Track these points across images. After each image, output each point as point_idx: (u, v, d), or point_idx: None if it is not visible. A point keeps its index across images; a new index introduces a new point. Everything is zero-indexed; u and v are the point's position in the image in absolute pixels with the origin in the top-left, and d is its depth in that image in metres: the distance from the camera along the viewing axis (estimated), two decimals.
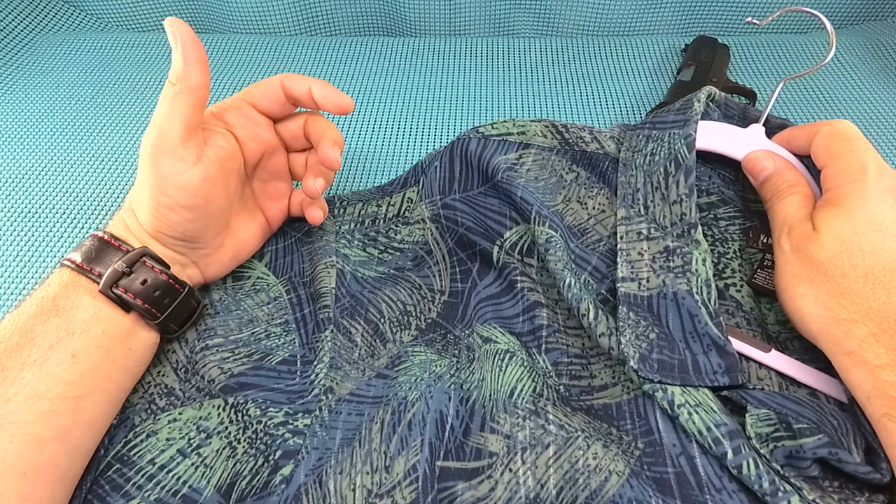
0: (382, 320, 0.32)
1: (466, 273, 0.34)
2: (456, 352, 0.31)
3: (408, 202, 0.36)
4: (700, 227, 0.29)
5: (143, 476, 0.26)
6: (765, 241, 0.32)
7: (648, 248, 0.30)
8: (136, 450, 0.27)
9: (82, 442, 0.25)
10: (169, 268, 0.29)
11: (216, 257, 0.32)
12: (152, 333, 0.29)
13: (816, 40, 0.55)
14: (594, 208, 0.33)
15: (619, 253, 0.30)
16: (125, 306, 0.27)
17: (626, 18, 0.58)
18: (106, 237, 0.28)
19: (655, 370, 0.26)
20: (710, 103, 0.35)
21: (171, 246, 0.30)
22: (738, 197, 0.34)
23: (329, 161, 0.31)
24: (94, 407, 0.25)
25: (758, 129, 0.32)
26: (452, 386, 0.28)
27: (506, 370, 0.28)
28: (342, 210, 0.36)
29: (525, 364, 0.29)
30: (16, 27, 0.57)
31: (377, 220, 0.36)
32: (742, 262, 0.32)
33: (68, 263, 0.27)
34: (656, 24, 0.59)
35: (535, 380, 0.28)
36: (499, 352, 0.29)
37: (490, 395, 0.28)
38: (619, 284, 0.29)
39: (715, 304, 0.28)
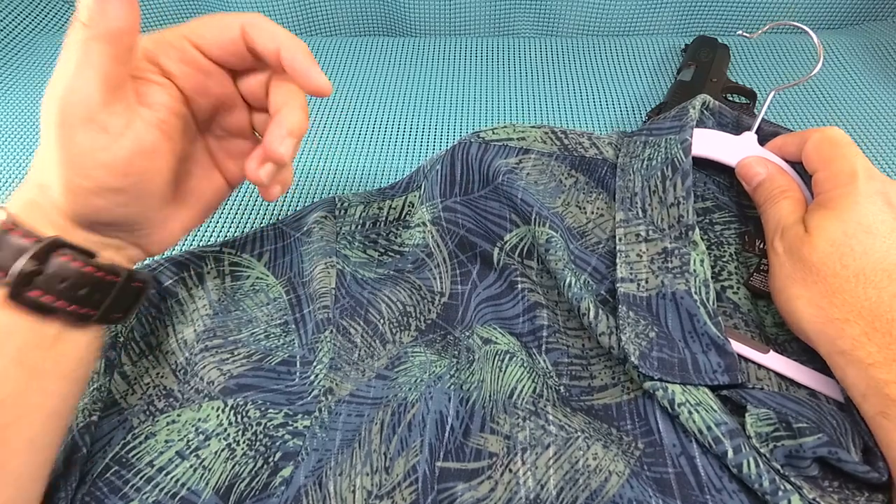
0: (382, 321, 0.32)
1: (466, 275, 0.34)
2: (456, 352, 0.31)
3: (409, 206, 0.36)
4: (698, 229, 0.30)
5: (141, 478, 0.26)
6: (761, 246, 0.33)
7: (647, 249, 0.30)
8: (134, 452, 0.27)
9: (27, 467, 0.22)
10: (94, 256, 0.23)
11: (161, 234, 0.26)
12: (88, 331, 0.23)
13: (821, 42, 0.55)
14: (593, 212, 0.34)
15: (618, 254, 0.30)
16: (44, 312, 0.21)
17: (626, 18, 0.58)
18: (6, 224, 0.21)
19: (656, 368, 0.26)
20: (705, 111, 0.35)
21: (98, 231, 0.23)
22: (732, 202, 0.34)
23: (271, 153, 0.24)
24: (29, 428, 0.21)
25: (750, 137, 0.33)
26: (452, 387, 0.28)
27: (506, 371, 0.28)
28: (343, 211, 0.36)
29: (525, 364, 0.29)
30: (16, 27, 0.57)
31: (378, 223, 0.36)
32: (738, 266, 0.33)
33: None
34: (656, 24, 0.59)
35: (535, 380, 0.28)
36: (499, 352, 0.29)
37: (490, 396, 0.28)
38: (618, 285, 0.29)
39: (713, 304, 0.28)
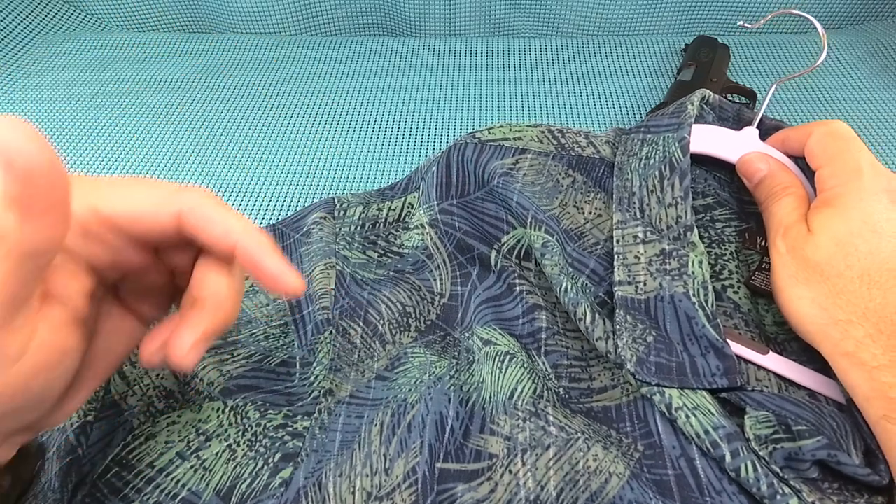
0: (382, 321, 0.32)
1: (466, 276, 0.34)
2: (455, 353, 0.30)
3: (408, 208, 0.36)
4: (696, 230, 0.29)
5: (141, 479, 0.26)
6: (762, 243, 0.32)
7: (645, 251, 0.30)
8: (134, 453, 0.27)
9: None
10: None
11: (62, 413, 0.20)
12: None
13: (816, 40, 0.55)
14: (591, 213, 0.33)
15: (616, 257, 0.30)
16: None
17: (626, 18, 0.58)
18: None
19: (653, 373, 0.26)
20: (705, 106, 0.35)
21: None
22: (733, 199, 0.34)
23: (171, 356, 0.19)
24: None
25: (751, 132, 0.32)
26: (452, 388, 0.28)
27: (506, 372, 0.28)
28: (342, 212, 0.36)
29: (525, 366, 0.29)
30: (16, 27, 0.57)
31: (377, 224, 0.36)
32: (739, 264, 0.32)
33: None
34: (656, 24, 0.59)
35: (536, 381, 0.28)
36: (499, 353, 0.29)
37: (490, 397, 0.28)
38: (615, 288, 0.29)
39: (712, 306, 0.28)
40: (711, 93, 0.35)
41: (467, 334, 0.31)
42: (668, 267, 0.29)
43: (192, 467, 0.26)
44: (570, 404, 0.28)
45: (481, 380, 0.28)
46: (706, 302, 0.28)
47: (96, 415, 0.27)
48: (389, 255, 0.35)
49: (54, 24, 0.59)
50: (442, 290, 0.33)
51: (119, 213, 0.18)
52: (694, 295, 0.28)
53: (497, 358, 0.29)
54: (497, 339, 0.30)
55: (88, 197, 0.18)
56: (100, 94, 0.51)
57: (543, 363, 0.30)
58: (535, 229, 0.31)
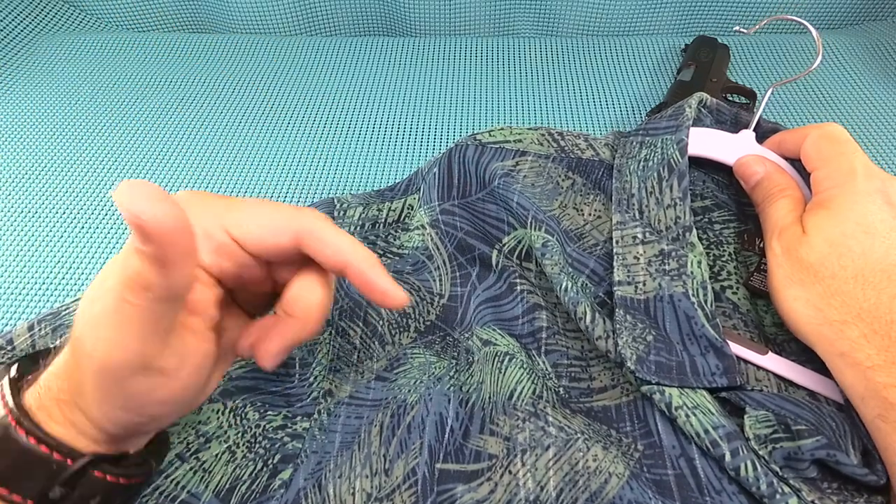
0: (381, 322, 0.32)
1: (466, 277, 0.34)
2: (455, 354, 0.31)
3: (408, 209, 0.36)
4: (695, 231, 0.29)
5: None
6: (760, 245, 0.32)
7: (644, 251, 0.30)
8: None
9: None
10: (120, 467, 0.20)
11: (195, 404, 0.23)
12: None
13: (820, 36, 0.55)
14: (590, 214, 0.33)
15: (615, 257, 0.30)
16: None
17: (626, 18, 0.58)
18: (31, 440, 0.18)
19: (653, 371, 0.26)
20: (702, 109, 0.35)
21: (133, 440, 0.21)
22: (732, 201, 0.34)
23: (260, 357, 0.21)
24: None
25: (748, 135, 0.33)
26: (451, 388, 0.28)
27: (505, 372, 0.28)
28: (342, 213, 0.36)
29: (525, 366, 0.29)
30: (16, 27, 0.57)
31: (377, 225, 0.36)
32: (738, 265, 0.32)
33: None
34: (656, 24, 0.59)
35: (535, 381, 0.28)
36: (498, 354, 0.29)
37: (490, 398, 0.28)
38: (615, 288, 0.29)
39: (711, 305, 0.28)
40: (709, 96, 0.35)
41: (466, 335, 0.31)
42: (667, 267, 0.29)
43: (191, 469, 0.26)
44: (570, 404, 0.28)
45: (480, 380, 0.28)
46: (705, 302, 0.28)
47: None
48: (389, 255, 0.35)
49: (54, 24, 0.59)
50: (441, 290, 0.33)
51: (247, 235, 0.20)
52: (693, 295, 0.28)
53: (496, 358, 0.29)
54: (496, 339, 0.30)
55: (222, 219, 0.20)
56: (100, 94, 0.51)
57: (543, 362, 0.30)
58: (535, 229, 0.31)
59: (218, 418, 0.28)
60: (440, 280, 0.34)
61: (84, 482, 0.19)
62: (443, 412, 0.27)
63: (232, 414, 0.28)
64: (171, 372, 0.19)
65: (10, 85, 0.52)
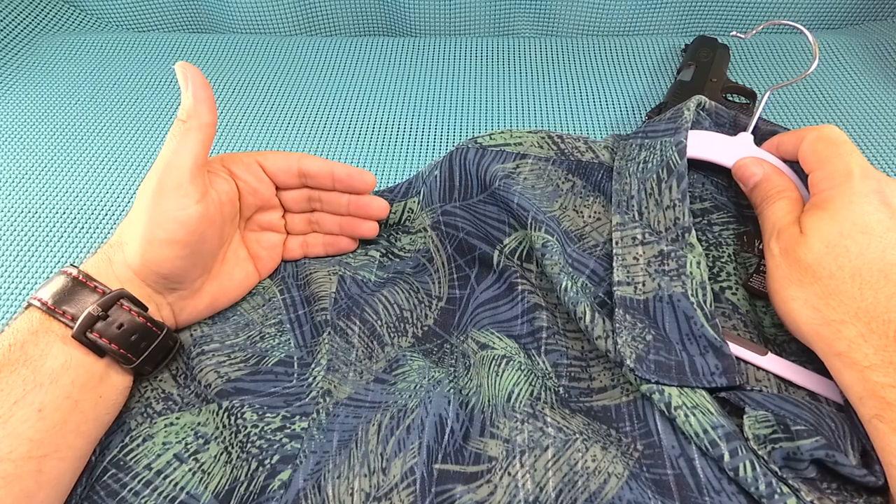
0: (379, 322, 0.32)
1: (465, 279, 0.34)
2: (453, 361, 0.31)
3: (409, 212, 0.36)
4: (694, 231, 0.30)
5: (139, 482, 0.26)
6: (759, 246, 0.33)
7: (643, 252, 0.30)
8: (132, 454, 0.27)
9: (47, 501, 0.24)
10: (146, 309, 0.28)
11: (192, 301, 0.31)
12: (126, 377, 0.28)
13: (816, 40, 0.55)
14: (590, 216, 0.34)
15: (615, 258, 0.30)
16: (99, 352, 0.26)
17: (626, 18, 0.58)
18: (80, 276, 0.26)
19: (652, 370, 0.26)
20: (701, 112, 0.35)
21: (151, 284, 0.29)
22: (731, 203, 0.34)
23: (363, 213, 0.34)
24: (59, 464, 0.24)
25: (746, 137, 0.33)
26: (451, 391, 0.28)
27: (502, 375, 0.28)
28: None
29: (522, 368, 0.29)
30: (16, 27, 0.57)
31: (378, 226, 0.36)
32: (737, 267, 0.33)
33: (37, 304, 0.25)
34: (656, 24, 0.59)
35: (533, 383, 0.28)
36: (495, 357, 0.29)
37: (489, 401, 0.28)
38: (615, 288, 0.29)
39: (710, 306, 0.28)
40: (707, 99, 0.35)
41: (461, 338, 0.31)
42: (666, 268, 0.29)
43: (190, 470, 0.26)
44: (570, 403, 0.28)
45: (479, 384, 0.28)
46: (704, 302, 0.28)
47: None
48: (390, 256, 0.35)
49: (54, 24, 0.59)
50: (440, 293, 0.33)
51: (267, 156, 0.33)
52: (692, 295, 0.28)
53: (493, 362, 0.29)
54: (494, 342, 0.30)
55: (252, 154, 0.33)
56: (100, 94, 0.51)
57: (544, 362, 0.30)
58: (535, 230, 0.31)
59: (215, 419, 0.28)
60: (439, 282, 0.34)
61: (116, 310, 0.26)
62: (442, 413, 0.27)
63: (226, 414, 0.28)
64: (191, 199, 0.27)
65: (10, 85, 0.52)
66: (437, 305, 0.33)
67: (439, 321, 0.33)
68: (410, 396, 0.28)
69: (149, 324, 0.27)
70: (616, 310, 0.28)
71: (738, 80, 0.50)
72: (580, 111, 0.49)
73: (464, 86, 0.52)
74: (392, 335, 0.32)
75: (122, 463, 0.26)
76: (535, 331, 0.31)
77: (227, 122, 0.48)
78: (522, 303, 0.32)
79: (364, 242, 0.36)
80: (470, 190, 0.34)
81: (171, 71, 0.54)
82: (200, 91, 0.28)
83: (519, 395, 0.28)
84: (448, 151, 0.36)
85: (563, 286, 0.29)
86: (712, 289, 0.30)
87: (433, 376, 0.29)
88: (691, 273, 0.29)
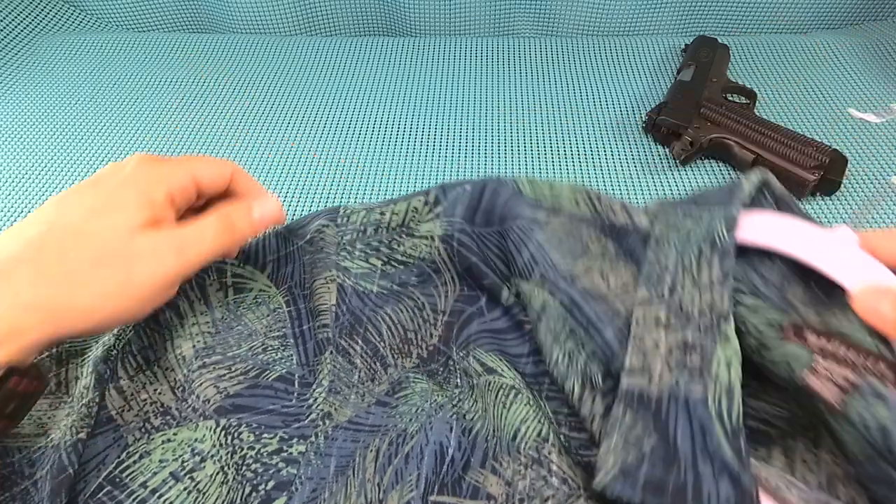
0: (382, 344, 0.31)
1: (474, 299, 0.32)
2: (457, 381, 0.30)
3: (412, 211, 0.34)
4: (732, 321, 0.24)
5: (134, 500, 0.25)
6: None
7: (665, 337, 0.25)
8: (128, 471, 0.26)
9: None
10: (40, 373, 0.24)
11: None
12: None
13: (816, 40, 0.55)
14: (615, 285, 0.29)
15: (632, 339, 0.25)
16: None
17: (626, 18, 0.58)
18: None
19: (639, 486, 0.22)
20: (764, 190, 0.29)
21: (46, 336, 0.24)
22: (779, 299, 0.28)
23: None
24: None
25: (846, 234, 0.26)
26: (454, 416, 0.28)
27: (510, 408, 0.27)
28: (345, 219, 0.35)
29: (530, 403, 0.27)
30: (16, 27, 0.57)
31: (379, 229, 0.34)
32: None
33: None
34: (656, 24, 0.59)
35: (541, 421, 0.27)
36: (503, 386, 0.28)
37: (494, 431, 0.27)
38: (624, 377, 0.24)
39: (737, 419, 0.22)
40: (773, 177, 0.29)
41: (462, 353, 0.30)
42: (688, 362, 0.24)
43: (185, 489, 0.26)
44: (571, 454, 0.27)
45: (484, 409, 0.28)
46: (729, 414, 0.22)
47: (89, 432, 0.27)
48: (393, 263, 0.34)
49: (54, 24, 0.59)
50: (445, 307, 0.32)
51: (204, 178, 0.29)
52: (713, 402, 0.22)
53: (502, 391, 0.28)
54: (502, 370, 0.29)
55: (189, 169, 0.29)
56: (100, 94, 0.51)
57: (545, 406, 0.29)
58: (539, 286, 0.29)
59: (211, 437, 0.27)
60: (445, 297, 0.33)
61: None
62: (443, 441, 0.26)
63: (223, 433, 0.27)
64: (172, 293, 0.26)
65: (10, 85, 0.52)
66: (441, 320, 0.32)
67: (443, 337, 0.32)
68: (411, 420, 0.27)
69: (39, 385, 0.23)
70: (616, 404, 0.24)
71: (738, 80, 0.50)
72: (580, 111, 0.49)
73: (464, 86, 0.52)
74: (396, 357, 0.31)
75: (117, 480, 0.26)
76: (539, 374, 0.29)
77: (227, 122, 0.48)
78: (530, 343, 0.30)
79: (365, 249, 0.35)
80: (492, 218, 0.32)
81: (171, 71, 0.54)
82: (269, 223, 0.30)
83: (526, 433, 0.26)
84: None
85: (553, 358, 0.27)
86: (741, 399, 0.24)
87: (436, 400, 0.28)
88: (717, 374, 0.23)
